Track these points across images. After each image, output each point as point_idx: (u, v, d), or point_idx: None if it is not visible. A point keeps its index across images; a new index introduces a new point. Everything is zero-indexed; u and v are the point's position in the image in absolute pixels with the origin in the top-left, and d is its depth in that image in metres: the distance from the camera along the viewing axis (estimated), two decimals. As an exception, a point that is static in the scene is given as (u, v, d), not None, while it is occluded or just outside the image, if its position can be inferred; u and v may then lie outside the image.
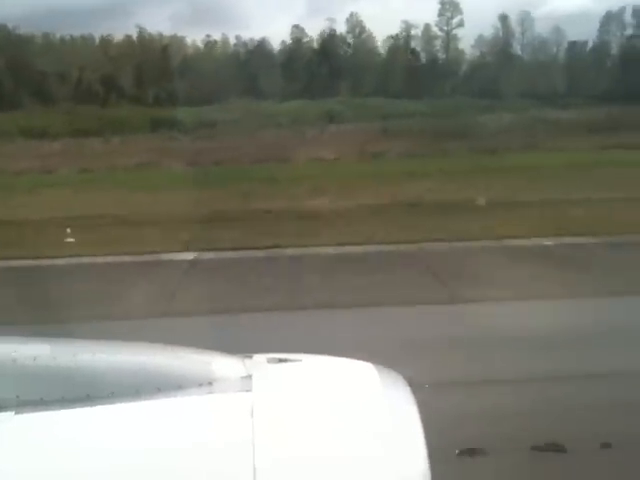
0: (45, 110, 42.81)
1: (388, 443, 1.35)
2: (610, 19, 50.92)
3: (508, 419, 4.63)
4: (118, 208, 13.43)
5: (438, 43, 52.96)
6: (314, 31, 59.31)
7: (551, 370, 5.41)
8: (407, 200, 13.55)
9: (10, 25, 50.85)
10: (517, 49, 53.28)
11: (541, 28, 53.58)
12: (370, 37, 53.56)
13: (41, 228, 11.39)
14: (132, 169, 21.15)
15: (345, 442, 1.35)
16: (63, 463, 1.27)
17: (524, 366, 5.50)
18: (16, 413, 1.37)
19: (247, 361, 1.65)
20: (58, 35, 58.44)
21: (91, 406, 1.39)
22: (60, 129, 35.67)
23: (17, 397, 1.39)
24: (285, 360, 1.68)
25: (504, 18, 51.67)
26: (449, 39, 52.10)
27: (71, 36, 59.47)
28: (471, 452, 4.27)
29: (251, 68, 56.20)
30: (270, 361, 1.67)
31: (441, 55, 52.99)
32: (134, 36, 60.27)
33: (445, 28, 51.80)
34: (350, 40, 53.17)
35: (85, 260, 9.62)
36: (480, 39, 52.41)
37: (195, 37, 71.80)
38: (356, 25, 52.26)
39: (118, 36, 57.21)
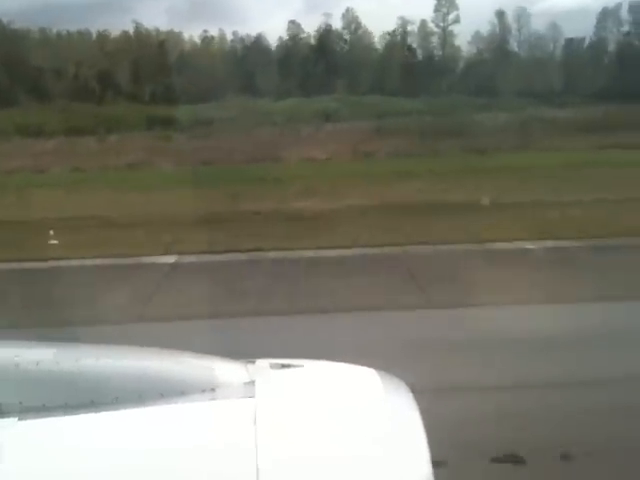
0: (41, 107, 42.65)
1: (390, 449, 1.36)
2: (607, 15, 50.77)
3: (472, 428, 4.61)
4: (104, 209, 13.43)
5: (434, 39, 52.80)
6: (312, 27, 59.14)
7: (519, 377, 5.40)
8: (394, 202, 13.53)
9: (5, 20, 50.58)
10: (514, 46, 53.13)
11: (538, 25, 53.45)
12: (366, 33, 53.41)
13: (24, 229, 11.37)
14: (123, 169, 21.12)
15: (348, 448, 1.36)
16: (66, 469, 1.27)
17: (491, 372, 5.49)
18: (19, 419, 1.37)
19: (250, 367, 1.66)
20: (55, 30, 58.18)
21: (94, 412, 1.40)
22: (55, 127, 35.49)
23: (20, 403, 1.40)
24: (288, 366, 1.69)
25: (501, 14, 51.54)
26: (445, 35, 51.95)
27: (68, 31, 59.24)
28: (429, 464, 4.25)
29: (247, 65, 56.06)
30: (273, 367, 1.68)
31: (437, 52, 52.85)
32: (131, 31, 60.01)
33: (441, 24, 51.64)
34: (346, 36, 53.03)
35: (63, 263, 9.61)
36: (477, 35, 52.29)
37: (192, 32, 71.61)
38: (352, 21, 52.11)
39: (115, 32, 57.00)
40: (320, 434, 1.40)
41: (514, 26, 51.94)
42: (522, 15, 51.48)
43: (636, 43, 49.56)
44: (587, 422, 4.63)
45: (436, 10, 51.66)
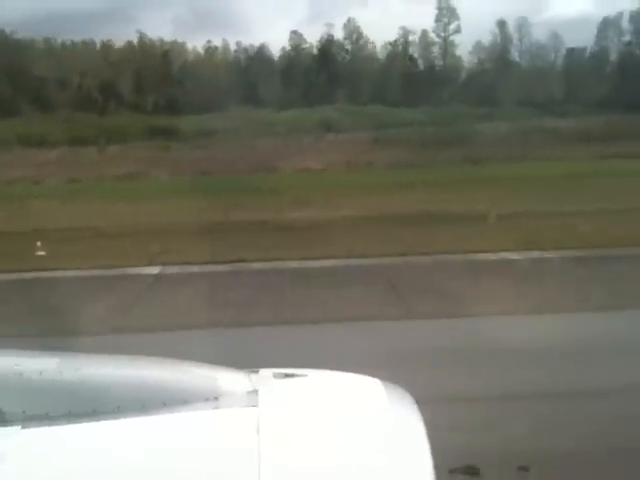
0: (43, 117, 42.89)
1: (394, 459, 1.36)
2: (608, 25, 50.83)
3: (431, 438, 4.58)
4: (94, 220, 13.46)
5: (436, 49, 53.01)
6: (315, 37, 59.45)
7: (480, 387, 5.37)
8: (385, 213, 13.52)
9: (8, 30, 50.92)
10: (515, 56, 53.29)
11: (539, 34, 53.57)
12: (367, 43, 53.73)
13: (11, 240, 11.41)
14: (120, 179, 21.25)
15: (351, 458, 1.36)
16: (69, 477, 1.28)
17: (454, 383, 5.45)
18: (22, 427, 1.37)
19: (253, 376, 1.66)
20: (59, 40, 58.61)
21: (97, 421, 1.40)
22: (57, 137, 35.74)
23: (23, 412, 1.40)
24: (291, 375, 1.69)
25: (502, 24, 51.70)
26: (446, 45, 52.14)
27: (72, 41, 59.71)
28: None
29: (250, 75, 56.38)
30: (276, 376, 1.69)
31: (439, 62, 53.03)
32: (135, 42, 60.41)
33: (442, 34, 51.83)
34: (348, 46, 53.27)
35: (47, 274, 9.63)
36: (478, 45, 52.49)
37: (196, 43, 72.12)
38: (353, 31, 52.43)
39: (119, 42, 57.38)
40: (323, 443, 1.40)
41: (515, 36, 52.12)
42: (523, 25, 51.68)
43: (637, 52, 49.53)
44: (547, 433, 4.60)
45: (437, 20, 51.96)
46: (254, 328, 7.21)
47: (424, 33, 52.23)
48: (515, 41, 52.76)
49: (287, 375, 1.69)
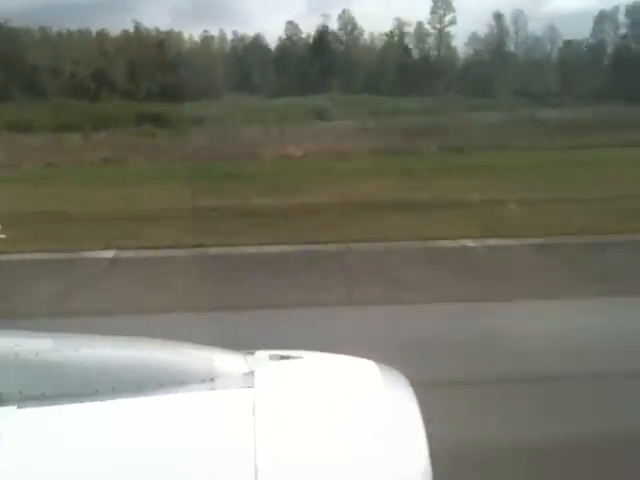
0: (35, 104, 42.78)
1: (389, 441, 1.36)
2: (604, 18, 50.59)
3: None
4: (64, 204, 13.38)
5: (431, 41, 52.76)
6: (311, 28, 59.23)
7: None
8: (356, 199, 13.44)
9: (2, 19, 50.75)
10: (511, 48, 53.02)
11: (535, 27, 53.35)
12: (362, 34, 53.48)
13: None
14: (98, 165, 21.13)
15: (346, 440, 1.36)
16: (65, 458, 1.28)
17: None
18: (18, 407, 1.37)
19: (249, 358, 1.67)
20: (55, 29, 58.43)
21: (93, 401, 1.40)
22: (45, 123, 35.62)
23: (20, 392, 1.40)
24: (287, 357, 1.69)
25: (498, 16, 51.44)
26: (442, 37, 51.88)
27: (68, 30, 59.53)
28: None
29: (245, 64, 56.26)
30: (272, 358, 1.69)
31: (434, 53, 52.78)
32: (131, 31, 60.24)
33: (438, 26, 51.58)
34: (342, 37, 53.02)
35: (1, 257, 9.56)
36: (473, 37, 52.22)
37: (193, 32, 71.84)
38: (348, 22, 52.14)
39: (115, 31, 57.20)
40: (318, 425, 1.40)
41: (511, 28, 51.82)
42: (520, 17, 51.38)
43: (633, 45, 49.34)
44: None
45: (433, 12, 51.65)
46: (189, 314, 7.11)
47: (419, 25, 52.01)
48: (511, 33, 52.51)
49: (283, 357, 1.69)
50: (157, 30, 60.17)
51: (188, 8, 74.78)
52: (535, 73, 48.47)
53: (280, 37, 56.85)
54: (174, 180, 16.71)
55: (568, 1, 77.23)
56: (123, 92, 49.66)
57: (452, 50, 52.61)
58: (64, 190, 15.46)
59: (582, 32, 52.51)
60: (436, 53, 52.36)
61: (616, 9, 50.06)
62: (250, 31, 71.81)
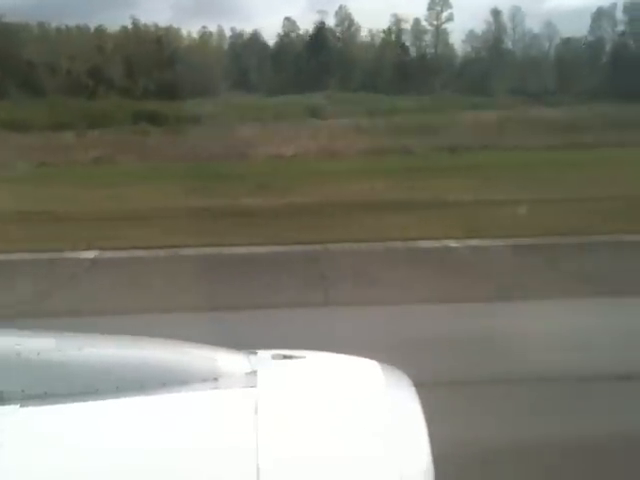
0: (31, 101, 42.72)
1: (391, 441, 1.36)
2: (602, 15, 50.49)
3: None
4: (49, 204, 13.39)
5: (428, 38, 52.69)
6: (309, 24, 59.14)
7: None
8: (340, 199, 13.44)
9: (-2, 14, 50.60)
10: (508, 45, 52.93)
11: (533, 24, 53.26)
12: (359, 31, 53.40)
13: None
14: (89, 164, 21.13)
15: (348, 439, 1.36)
16: (67, 457, 1.28)
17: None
18: (21, 406, 1.37)
19: (252, 357, 1.67)
20: (53, 25, 58.36)
21: (96, 400, 1.41)
22: (41, 121, 35.59)
23: (22, 391, 1.40)
24: (289, 357, 1.70)
25: (496, 13, 51.35)
26: (439, 34, 51.79)
27: (66, 26, 59.49)
28: None
29: (243, 61, 56.18)
30: (275, 357, 1.70)
31: (430, 50, 52.72)
32: (129, 27, 60.19)
33: (435, 23, 51.49)
34: (339, 34, 52.94)
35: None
36: (471, 34, 52.14)
37: (191, 28, 71.78)
38: (345, 18, 52.07)
39: (113, 27, 57.16)
40: (321, 425, 1.41)
41: (509, 25, 51.72)
42: (517, 14, 51.29)
43: (631, 43, 49.25)
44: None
45: (430, 8, 51.53)
46: (163, 314, 7.13)
47: (416, 21, 51.91)
48: (509, 31, 52.42)
49: (285, 356, 1.70)
50: (155, 26, 60.17)
51: (187, 4, 74.83)
52: (533, 71, 48.37)
53: (278, 34, 56.87)
54: (163, 180, 16.73)
55: (560, -2, 77.05)
56: (120, 89, 49.60)
57: (449, 47, 52.59)
58: (52, 189, 15.48)
59: (580, 29, 52.54)
60: (433, 50, 52.28)
61: (614, 6, 50.04)
62: (249, 27, 71.79)
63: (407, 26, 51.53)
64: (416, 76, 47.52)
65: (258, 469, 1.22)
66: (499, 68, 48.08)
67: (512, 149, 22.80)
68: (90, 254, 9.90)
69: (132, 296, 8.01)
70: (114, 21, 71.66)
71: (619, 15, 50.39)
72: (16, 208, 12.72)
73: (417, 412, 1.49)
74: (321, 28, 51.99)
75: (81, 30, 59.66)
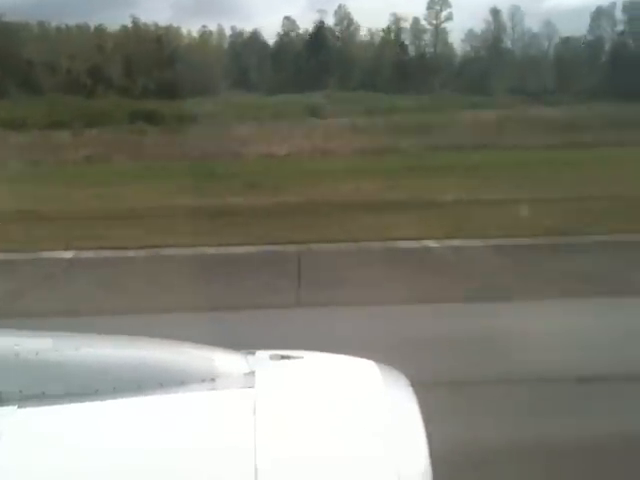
0: (30, 100, 42.77)
1: (389, 442, 1.36)
2: (601, 15, 50.32)
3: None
4: (35, 203, 13.35)
5: (427, 37, 52.58)
6: (308, 23, 59.10)
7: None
8: (328, 199, 13.37)
9: (-2, 13, 50.63)
10: (508, 44, 52.79)
11: (532, 23, 53.12)
12: (358, 30, 53.31)
13: None
14: (82, 163, 21.11)
15: (346, 440, 1.36)
16: (65, 458, 1.28)
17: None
18: (19, 407, 1.37)
19: (250, 358, 1.67)
20: (53, 24, 58.42)
21: (94, 401, 1.40)
22: (39, 120, 35.58)
23: (20, 392, 1.40)
24: (287, 357, 1.69)
25: (495, 12, 51.21)
26: (438, 33, 51.68)
27: (66, 25, 59.55)
28: None
29: (243, 60, 56.15)
30: (272, 358, 1.69)
31: (430, 49, 52.62)
32: (129, 26, 60.24)
33: (434, 22, 51.38)
34: (338, 33, 52.86)
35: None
36: (470, 33, 52.02)
37: (192, 27, 71.80)
38: (344, 17, 51.98)
39: (113, 26, 57.19)
40: (318, 425, 1.41)
41: (509, 24, 51.58)
42: (516, 14, 51.16)
43: (630, 42, 49.09)
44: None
45: (429, 7, 51.42)
46: (134, 315, 7.08)
47: (415, 20, 51.80)
48: (508, 30, 52.27)
49: (283, 357, 1.69)
50: (155, 25, 60.18)
51: (187, 3, 74.82)
52: (532, 70, 48.24)
53: (279, 33, 56.83)
54: (152, 179, 16.70)
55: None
56: (120, 88, 49.62)
57: (449, 47, 52.48)
58: (40, 188, 15.43)
59: (579, 29, 52.37)
60: (432, 50, 52.18)
61: (613, 5, 49.88)
62: (249, 26, 71.76)
63: (406, 25, 51.56)
64: (415, 75, 47.41)
65: (256, 470, 1.21)
66: (498, 67, 47.95)
67: (511, 148, 22.65)
68: (68, 254, 9.86)
69: (106, 297, 7.97)
70: (114, 20, 71.63)
71: (618, 14, 50.35)
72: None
73: (415, 412, 1.48)
74: (320, 27, 51.91)
75: (81, 29, 59.73)
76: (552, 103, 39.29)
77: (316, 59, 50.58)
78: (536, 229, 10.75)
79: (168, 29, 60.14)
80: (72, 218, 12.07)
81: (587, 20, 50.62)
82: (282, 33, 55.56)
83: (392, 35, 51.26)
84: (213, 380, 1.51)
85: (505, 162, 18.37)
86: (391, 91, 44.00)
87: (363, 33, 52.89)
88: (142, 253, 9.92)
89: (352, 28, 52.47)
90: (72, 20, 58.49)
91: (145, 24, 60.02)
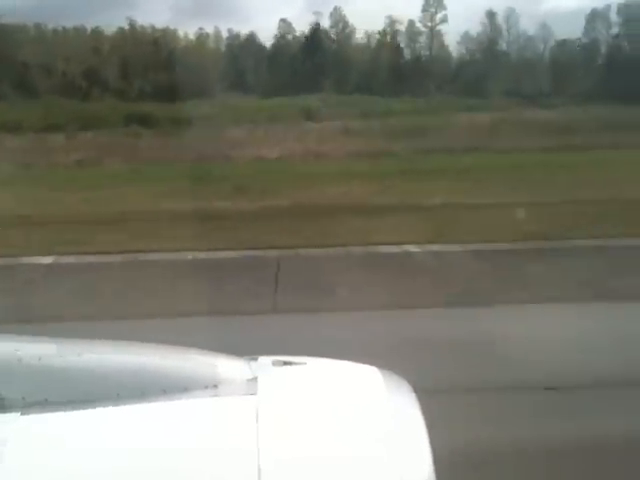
0: (26, 103, 42.73)
1: (392, 447, 1.36)
2: (596, 17, 50.32)
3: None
4: (20, 207, 13.29)
5: (422, 39, 52.55)
6: (304, 26, 59.10)
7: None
8: (315, 203, 13.31)
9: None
10: (503, 47, 52.78)
11: (528, 26, 53.10)
12: (354, 33, 53.30)
13: None
14: (73, 167, 21.06)
15: (349, 446, 1.36)
16: (68, 464, 1.28)
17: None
18: (22, 414, 1.37)
19: (252, 364, 1.67)
20: (50, 26, 58.36)
21: (96, 407, 1.40)
22: (34, 123, 35.52)
23: (23, 398, 1.40)
24: (290, 363, 1.70)
25: (490, 15, 51.21)
26: (433, 35, 51.67)
27: (63, 27, 59.49)
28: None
29: (240, 62, 56.14)
30: (275, 364, 1.70)
31: (425, 52, 52.59)
32: (125, 28, 60.21)
33: (429, 24, 51.36)
34: (334, 36, 52.86)
35: None
36: (466, 36, 52.00)
37: (188, 30, 71.80)
38: (339, 20, 51.95)
39: (110, 28, 57.17)
40: (321, 431, 1.41)
41: (504, 27, 51.57)
42: (512, 16, 51.14)
43: (625, 45, 49.10)
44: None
45: (424, 10, 51.39)
46: (110, 321, 7.04)
47: (411, 23, 51.77)
48: (504, 32, 52.24)
49: (286, 363, 1.70)
50: (152, 27, 60.13)
51: (184, 5, 74.71)
52: (528, 73, 48.24)
53: (275, 35, 56.81)
54: (142, 182, 16.65)
55: (560, 0, 76.72)
56: (116, 91, 49.60)
57: (444, 49, 52.40)
58: (28, 192, 15.38)
59: (574, 31, 52.31)
60: (428, 52, 52.14)
61: (608, 8, 49.88)
62: (245, 29, 71.81)
63: (402, 28, 51.53)
64: (411, 78, 47.38)
65: (259, 475, 1.21)
66: (494, 70, 47.91)
67: (507, 151, 22.57)
68: (48, 259, 9.80)
69: (86, 303, 7.92)
70: (111, 22, 71.46)
71: (613, 17, 50.34)
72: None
73: (418, 418, 1.49)
74: (316, 30, 51.89)
75: (78, 31, 59.67)
76: (548, 106, 39.27)
77: (312, 62, 50.56)
78: (527, 233, 10.68)
79: (165, 31, 60.08)
80: (56, 222, 12.00)
81: (582, 23, 50.71)
82: (278, 35, 55.57)
83: (388, 38, 51.24)
84: (216, 386, 1.51)
85: (500, 165, 18.31)
86: (387, 94, 43.93)
87: (359, 35, 52.99)
88: (121, 258, 9.87)
89: (348, 30, 52.49)
90: (69, 22, 58.48)
91: (142, 26, 59.95)
